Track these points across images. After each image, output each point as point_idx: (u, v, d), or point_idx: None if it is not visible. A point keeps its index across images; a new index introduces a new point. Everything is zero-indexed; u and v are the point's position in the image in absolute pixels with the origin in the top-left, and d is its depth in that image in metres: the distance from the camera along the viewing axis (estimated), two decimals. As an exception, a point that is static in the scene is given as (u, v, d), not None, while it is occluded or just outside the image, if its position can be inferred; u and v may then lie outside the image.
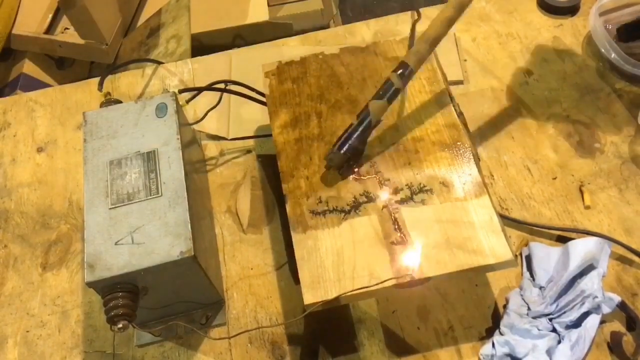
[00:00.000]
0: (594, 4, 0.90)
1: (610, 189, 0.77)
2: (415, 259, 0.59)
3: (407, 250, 0.60)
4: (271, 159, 0.82)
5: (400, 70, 0.66)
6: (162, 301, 0.68)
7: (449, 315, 0.69)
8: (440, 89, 0.72)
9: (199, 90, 0.81)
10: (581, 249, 0.68)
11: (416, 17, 0.92)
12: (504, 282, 0.71)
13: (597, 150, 0.81)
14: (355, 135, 0.65)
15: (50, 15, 1.27)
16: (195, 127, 0.84)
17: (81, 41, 1.21)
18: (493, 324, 0.68)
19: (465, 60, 0.92)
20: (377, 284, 0.58)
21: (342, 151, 0.65)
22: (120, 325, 0.58)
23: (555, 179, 0.79)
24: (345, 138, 0.65)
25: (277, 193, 0.81)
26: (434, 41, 0.66)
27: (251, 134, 0.86)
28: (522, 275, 0.71)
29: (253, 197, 0.81)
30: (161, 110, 0.71)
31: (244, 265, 0.76)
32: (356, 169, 0.67)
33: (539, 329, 0.65)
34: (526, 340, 0.64)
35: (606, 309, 0.65)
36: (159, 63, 0.97)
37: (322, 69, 0.76)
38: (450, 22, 0.66)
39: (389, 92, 0.65)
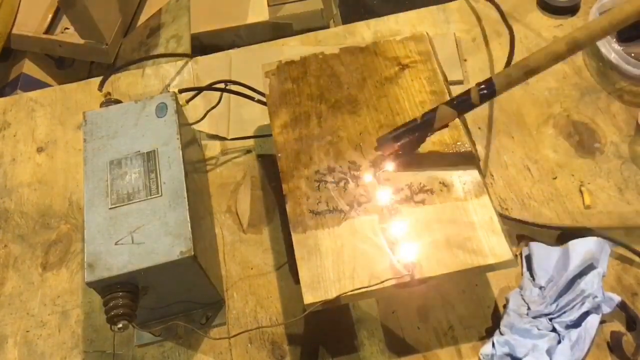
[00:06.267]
0: (594, 4, 0.90)
1: (610, 189, 0.77)
2: (415, 259, 0.59)
3: (407, 250, 0.60)
4: (271, 159, 0.82)
5: (483, 88, 0.62)
6: (162, 301, 0.67)
7: (449, 315, 0.69)
8: (440, 89, 0.72)
9: (199, 90, 0.81)
10: (581, 248, 0.68)
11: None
12: (504, 282, 0.71)
13: (597, 150, 0.81)
14: (410, 129, 0.65)
15: (50, 15, 1.26)
16: (195, 127, 0.84)
17: (81, 41, 1.21)
18: (493, 324, 0.68)
19: (465, 60, 0.92)
20: (377, 284, 0.58)
21: (390, 137, 0.65)
22: (120, 325, 0.58)
23: (555, 179, 0.79)
24: (400, 129, 0.65)
25: (277, 193, 0.81)
26: (531, 71, 0.61)
27: (251, 134, 0.86)
28: (522, 275, 0.71)
29: (253, 197, 0.81)
30: (161, 110, 0.71)
31: (244, 265, 0.76)
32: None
33: (539, 329, 0.65)
34: (526, 340, 0.64)
35: (606, 309, 0.65)
36: (189, 57, 0.97)
37: (322, 68, 0.76)
38: (558, 58, 0.60)
39: (463, 104, 0.63)
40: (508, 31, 0.92)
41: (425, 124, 0.64)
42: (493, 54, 0.93)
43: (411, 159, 0.66)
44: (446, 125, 0.65)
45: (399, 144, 0.65)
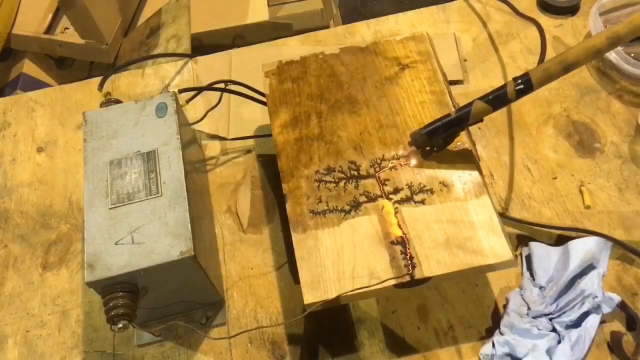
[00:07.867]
0: (594, 4, 0.90)
1: (610, 189, 0.77)
2: (415, 259, 0.59)
3: (406, 250, 0.60)
4: (271, 159, 0.82)
5: (520, 83, 0.61)
6: (162, 301, 0.68)
7: (449, 315, 0.69)
8: (440, 89, 0.72)
9: (199, 90, 0.81)
10: (581, 248, 0.68)
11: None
12: (504, 282, 0.71)
13: (597, 150, 0.81)
14: (444, 124, 0.64)
15: (50, 15, 1.26)
16: (195, 127, 0.84)
17: (81, 41, 1.21)
18: (493, 324, 0.68)
19: (465, 60, 0.92)
20: (377, 284, 0.58)
21: (423, 132, 0.65)
22: (120, 325, 0.58)
23: (555, 179, 0.79)
24: (435, 124, 0.65)
25: (277, 193, 0.81)
26: (570, 67, 0.59)
27: (251, 134, 0.86)
28: (522, 275, 0.71)
29: (253, 197, 0.81)
30: (161, 110, 0.71)
31: (244, 265, 0.76)
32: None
33: (539, 329, 0.65)
34: (526, 340, 0.64)
35: (606, 309, 0.65)
36: (189, 57, 0.97)
37: (322, 68, 0.76)
38: (597, 53, 0.59)
39: (498, 99, 0.62)
40: (536, 26, 0.92)
41: (460, 120, 0.64)
42: (494, 53, 0.93)
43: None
44: (481, 120, 0.64)
45: (429, 136, 0.65)
